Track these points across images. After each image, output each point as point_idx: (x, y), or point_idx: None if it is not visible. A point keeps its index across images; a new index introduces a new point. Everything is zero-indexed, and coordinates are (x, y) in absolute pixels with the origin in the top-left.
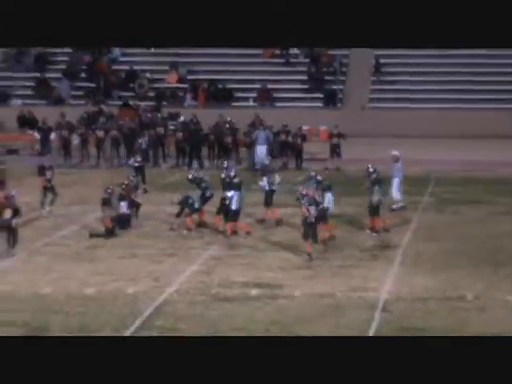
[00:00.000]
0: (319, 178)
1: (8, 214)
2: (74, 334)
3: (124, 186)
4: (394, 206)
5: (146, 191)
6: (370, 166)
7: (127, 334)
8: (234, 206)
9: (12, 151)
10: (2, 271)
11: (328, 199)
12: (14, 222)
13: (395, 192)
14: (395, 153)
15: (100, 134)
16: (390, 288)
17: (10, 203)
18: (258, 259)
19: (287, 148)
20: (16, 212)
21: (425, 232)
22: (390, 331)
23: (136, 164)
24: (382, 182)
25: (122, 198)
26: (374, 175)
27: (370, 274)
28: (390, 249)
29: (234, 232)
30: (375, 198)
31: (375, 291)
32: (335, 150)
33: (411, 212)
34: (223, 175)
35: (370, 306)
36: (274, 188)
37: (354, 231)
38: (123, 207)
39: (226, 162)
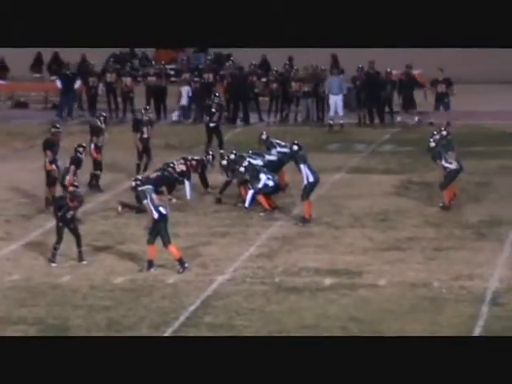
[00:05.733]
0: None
1: None
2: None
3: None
4: None
5: None
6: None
7: (168, 333)
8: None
9: None
10: None
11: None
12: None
13: None
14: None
15: None
16: (501, 275)
17: None
18: (335, 239)
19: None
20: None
21: None
22: (502, 329)
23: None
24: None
25: None
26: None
27: (474, 257)
28: (501, 225)
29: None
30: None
31: (482, 279)
32: (442, 100)
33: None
34: None
35: (475, 298)
36: None
37: (456, 204)
38: None
39: None
